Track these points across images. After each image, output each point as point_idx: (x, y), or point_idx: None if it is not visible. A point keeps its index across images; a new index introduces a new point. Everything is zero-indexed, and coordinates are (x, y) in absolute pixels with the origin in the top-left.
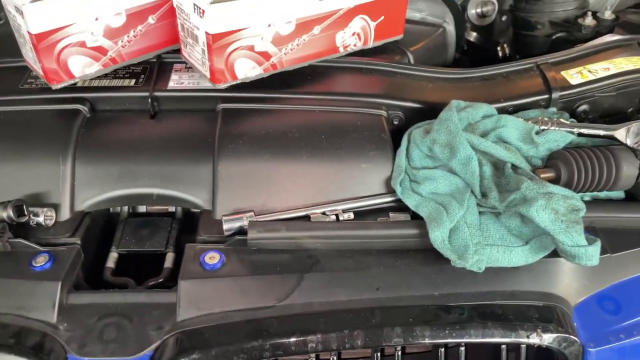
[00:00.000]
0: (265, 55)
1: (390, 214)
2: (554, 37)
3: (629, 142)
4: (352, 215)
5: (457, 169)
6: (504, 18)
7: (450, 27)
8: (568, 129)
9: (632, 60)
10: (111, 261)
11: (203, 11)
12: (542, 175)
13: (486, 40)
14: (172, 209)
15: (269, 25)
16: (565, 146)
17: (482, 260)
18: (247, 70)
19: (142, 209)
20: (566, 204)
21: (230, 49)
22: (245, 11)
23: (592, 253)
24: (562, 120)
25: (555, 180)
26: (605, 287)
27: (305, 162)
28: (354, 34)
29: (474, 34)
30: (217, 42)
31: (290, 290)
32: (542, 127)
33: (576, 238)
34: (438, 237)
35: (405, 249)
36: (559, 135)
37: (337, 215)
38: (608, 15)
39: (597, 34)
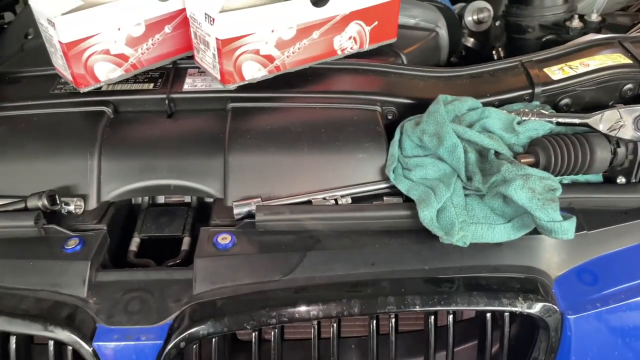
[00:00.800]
0: (270, 58)
1: (385, 198)
2: (543, 39)
3: (601, 129)
4: (349, 200)
5: (444, 156)
6: (497, 23)
7: (443, 32)
8: (547, 119)
9: (612, 57)
10: (134, 245)
11: (213, 19)
12: (522, 160)
13: (483, 46)
14: (188, 199)
15: (272, 31)
16: (545, 134)
17: (466, 236)
18: (253, 72)
19: (160, 199)
20: (542, 184)
21: (238, 52)
22: (250, 19)
23: (567, 227)
24: (542, 111)
25: (534, 165)
26: (583, 262)
27: (307, 153)
28: (350, 38)
29: (471, 39)
30: (226, 46)
31: (294, 266)
32: (524, 118)
33: (552, 214)
34: (427, 216)
35: (399, 229)
36: (538, 124)
37: (336, 200)
38: (595, 17)
39: (584, 35)
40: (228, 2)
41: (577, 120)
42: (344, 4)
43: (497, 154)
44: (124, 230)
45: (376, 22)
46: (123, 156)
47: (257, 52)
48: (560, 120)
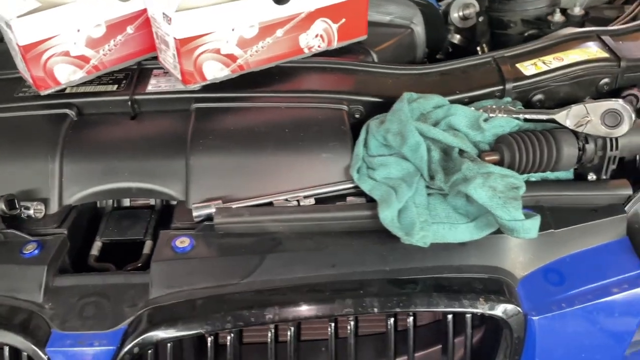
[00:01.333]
0: (232, 57)
1: (348, 198)
2: (526, 34)
3: (568, 124)
4: (313, 201)
5: (407, 155)
6: (481, 19)
7: (418, 29)
8: (514, 115)
9: (587, 51)
10: (95, 249)
11: (170, 19)
12: (486, 158)
13: (470, 42)
14: (153, 202)
15: (233, 30)
16: (512, 131)
17: (427, 236)
18: (215, 71)
19: (126, 202)
20: (504, 182)
21: (197, 52)
22: (209, 17)
23: (530, 226)
24: (509, 107)
25: (499, 162)
26: (550, 261)
27: (270, 154)
28: (317, 35)
29: (458, 36)
30: (184, 46)
31: (253, 269)
32: (490, 115)
33: (513, 213)
34: (387, 216)
35: (362, 230)
36: (504, 121)
37: (298, 201)
38: (578, 11)
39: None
40: (186, 1)
41: (544, 116)
42: (308, 1)
43: (461, 152)
44: (87, 233)
45: (344, 20)
46: (85, 159)
47: (217, 51)
48: (527, 116)
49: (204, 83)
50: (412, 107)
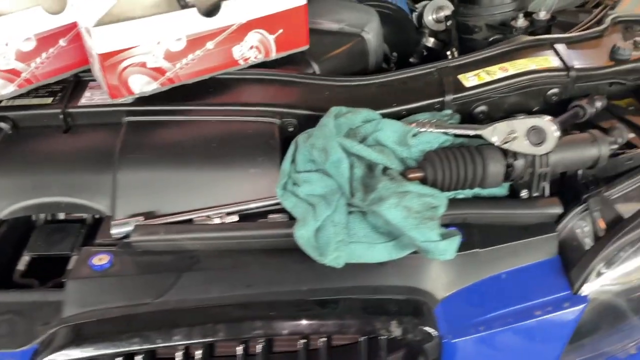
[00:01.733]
0: (160, 71)
1: (269, 216)
2: (490, 39)
3: (494, 141)
4: (236, 218)
5: (330, 171)
6: (449, 23)
7: (369, 36)
8: (443, 130)
9: (536, 61)
10: (22, 264)
11: (91, 33)
12: (410, 176)
13: (445, 45)
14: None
15: (158, 43)
16: (441, 146)
17: (340, 257)
18: (142, 85)
19: (61, 216)
20: (421, 201)
21: (122, 66)
22: (131, 31)
23: (445, 247)
24: (440, 121)
25: (424, 180)
26: (473, 282)
27: (197, 169)
28: (252, 47)
29: (432, 39)
30: (107, 60)
31: (167, 288)
32: (421, 130)
33: (427, 233)
34: (303, 235)
35: (284, 248)
36: (432, 136)
37: (221, 218)
38: (543, 15)
39: (532, 34)
40: (109, 14)
41: (471, 132)
42: (238, 13)
43: (386, 169)
44: (19, 249)
45: (281, 30)
46: (15, 173)
47: (143, 64)
48: (456, 131)
49: (132, 97)
50: (340, 122)
